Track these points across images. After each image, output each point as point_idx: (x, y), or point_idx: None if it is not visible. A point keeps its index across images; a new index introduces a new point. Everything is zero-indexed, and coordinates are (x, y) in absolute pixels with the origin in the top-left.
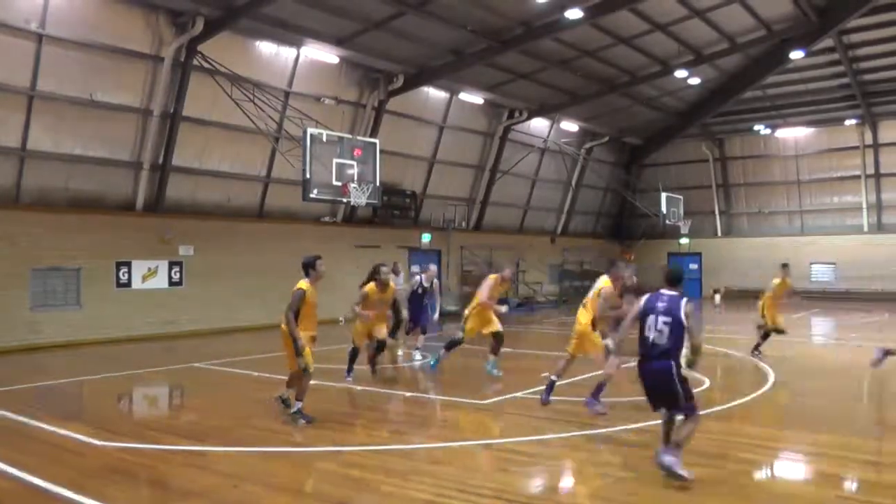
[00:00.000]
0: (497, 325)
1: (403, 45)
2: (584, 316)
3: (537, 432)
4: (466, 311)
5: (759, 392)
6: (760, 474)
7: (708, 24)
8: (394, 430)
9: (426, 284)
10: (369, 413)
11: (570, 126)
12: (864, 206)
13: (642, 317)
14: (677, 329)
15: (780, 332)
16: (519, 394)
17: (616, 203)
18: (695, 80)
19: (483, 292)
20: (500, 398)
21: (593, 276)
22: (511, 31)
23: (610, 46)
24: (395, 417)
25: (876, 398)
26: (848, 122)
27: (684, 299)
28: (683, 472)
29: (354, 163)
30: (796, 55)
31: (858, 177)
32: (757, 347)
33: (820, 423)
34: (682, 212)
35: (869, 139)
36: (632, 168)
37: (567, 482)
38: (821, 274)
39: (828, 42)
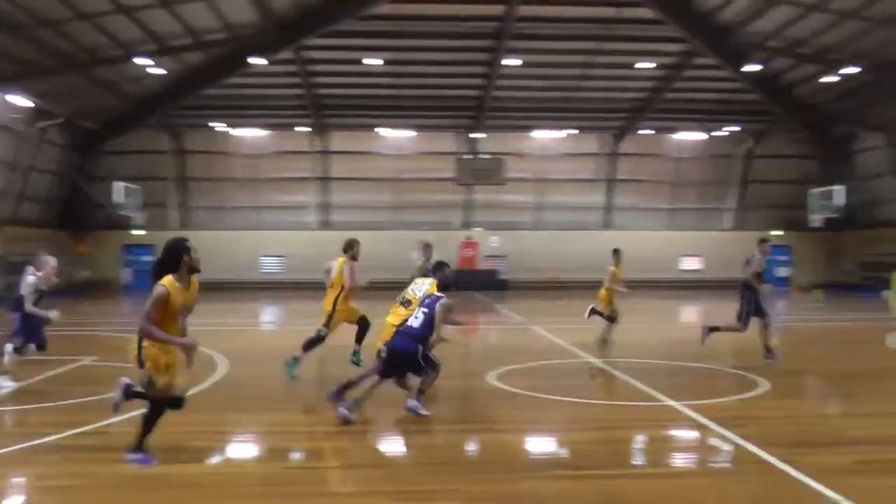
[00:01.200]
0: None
1: None
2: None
3: None
4: (328, 305)
5: (214, 380)
6: (214, 459)
7: (174, 16)
8: None
9: (45, 287)
10: None
11: (22, 101)
12: (313, 205)
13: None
14: (427, 320)
15: (612, 318)
16: None
17: (69, 190)
18: (157, 70)
19: (348, 276)
20: None
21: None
22: None
23: (70, 20)
24: None
25: (313, 378)
26: (301, 129)
27: (442, 299)
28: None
29: None
30: (257, 61)
31: (309, 179)
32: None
33: (267, 404)
34: (138, 202)
35: (319, 146)
36: (88, 154)
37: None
38: (270, 266)
39: (288, 54)
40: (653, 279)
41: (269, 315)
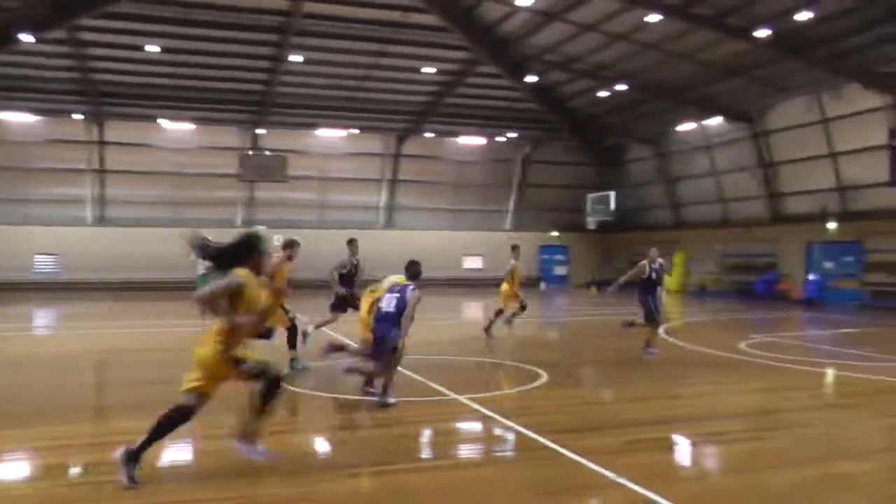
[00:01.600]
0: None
1: None
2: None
3: None
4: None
5: None
6: None
7: None
8: None
9: None
10: None
11: None
12: (89, 199)
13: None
14: (401, 304)
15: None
16: None
17: None
18: None
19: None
20: None
21: None
22: None
23: None
24: None
25: (95, 384)
26: (76, 116)
27: (411, 287)
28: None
29: None
30: (26, 38)
31: (84, 170)
32: (488, 329)
33: (42, 416)
34: None
35: (95, 135)
36: None
37: None
38: (44, 265)
39: (61, 33)
40: (436, 277)
41: (42, 318)
